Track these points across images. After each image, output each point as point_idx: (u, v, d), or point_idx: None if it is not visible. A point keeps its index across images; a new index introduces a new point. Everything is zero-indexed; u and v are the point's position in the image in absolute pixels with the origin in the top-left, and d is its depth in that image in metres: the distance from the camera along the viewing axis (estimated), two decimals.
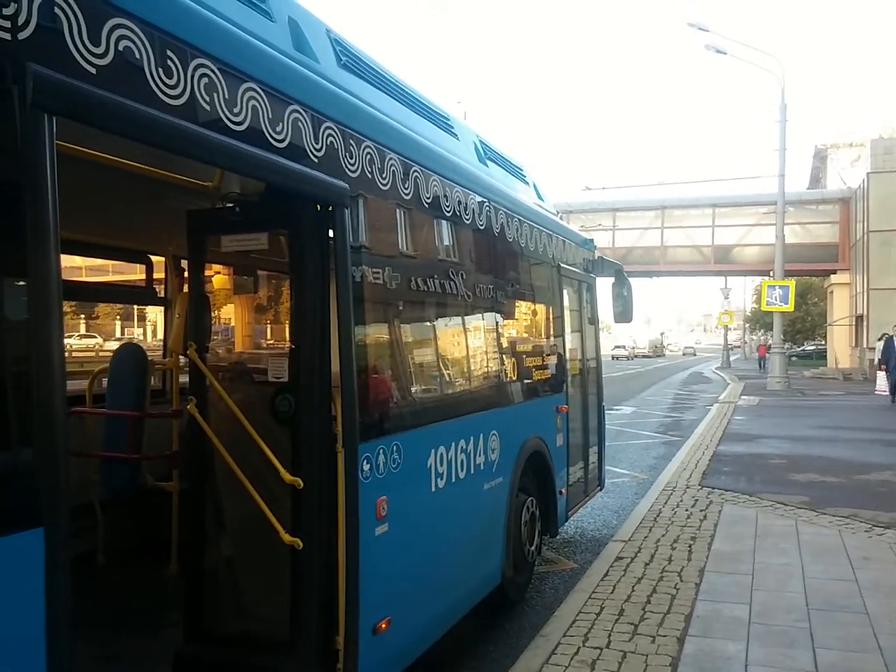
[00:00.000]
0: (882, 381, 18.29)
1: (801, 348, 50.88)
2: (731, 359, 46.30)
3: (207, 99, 2.29)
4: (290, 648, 2.85)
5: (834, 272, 33.01)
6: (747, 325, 65.97)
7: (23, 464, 1.79)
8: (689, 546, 5.66)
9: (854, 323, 31.45)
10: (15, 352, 1.79)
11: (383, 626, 3.05)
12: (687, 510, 6.82)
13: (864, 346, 28.14)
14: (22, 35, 1.69)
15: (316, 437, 2.84)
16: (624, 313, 7.25)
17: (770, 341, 30.53)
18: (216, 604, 3.15)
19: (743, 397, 20.24)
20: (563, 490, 5.68)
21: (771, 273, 24.29)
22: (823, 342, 42.40)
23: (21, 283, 1.75)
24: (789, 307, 22.45)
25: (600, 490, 7.00)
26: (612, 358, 54.43)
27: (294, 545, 2.78)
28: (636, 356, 62.50)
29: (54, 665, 1.75)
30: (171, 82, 2.14)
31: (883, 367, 18.17)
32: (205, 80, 2.27)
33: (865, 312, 28.36)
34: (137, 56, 2.03)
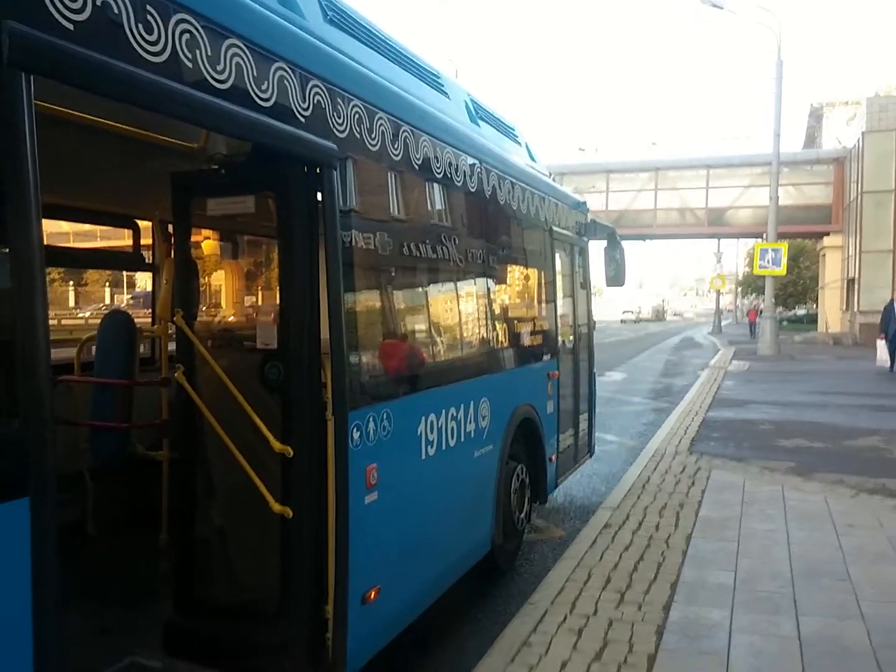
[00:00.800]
0: (882, 352, 16.80)
1: (793, 312, 51.10)
2: (723, 323, 46.48)
3: (190, 56, 2.22)
4: (279, 618, 2.87)
5: (827, 234, 32.97)
6: (739, 290, 66.11)
7: (7, 433, 1.77)
8: (677, 513, 5.72)
9: (845, 286, 31.53)
10: None
11: (373, 595, 3.07)
12: (675, 477, 6.89)
13: (855, 309, 28.24)
14: None
15: (305, 405, 2.82)
16: (616, 277, 7.20)
17: (761, 306, 30.55)
18: (206, 574, 3.16)
19: (733, 362, 20.36)
20: (554, 457, 5.70)
21: (764, 236, 24.22)
22: (815, 306, 42.55)
23: (2, 249, 1.71)
24: (781, 271, 22.43)
25: (590, 457, 7.03)
26: (622, 322, 62.31)
27: (284, 514, 2.78)
28: (641, 319, 70.24)
29: (42, 636, 1.75)
30: (152, 39, 2.08)
31: (882, 335, 16.82)
32: (186, 35, 2.20)
33: (857, 275, 28.41)
34: (116, 11, 1.96)
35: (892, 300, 16.82)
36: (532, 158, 6.17)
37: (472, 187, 4.30)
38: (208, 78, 2.29)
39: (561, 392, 5.90)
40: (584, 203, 6.96)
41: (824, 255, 35.18)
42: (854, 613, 3.91)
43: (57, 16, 1.79)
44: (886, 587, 4.25)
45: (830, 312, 33.66)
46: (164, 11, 2.12)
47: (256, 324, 3.13)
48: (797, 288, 46.07)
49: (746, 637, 3.66)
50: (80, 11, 1.85)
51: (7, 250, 1.69)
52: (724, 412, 11.06)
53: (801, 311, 50.10)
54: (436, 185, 3.97)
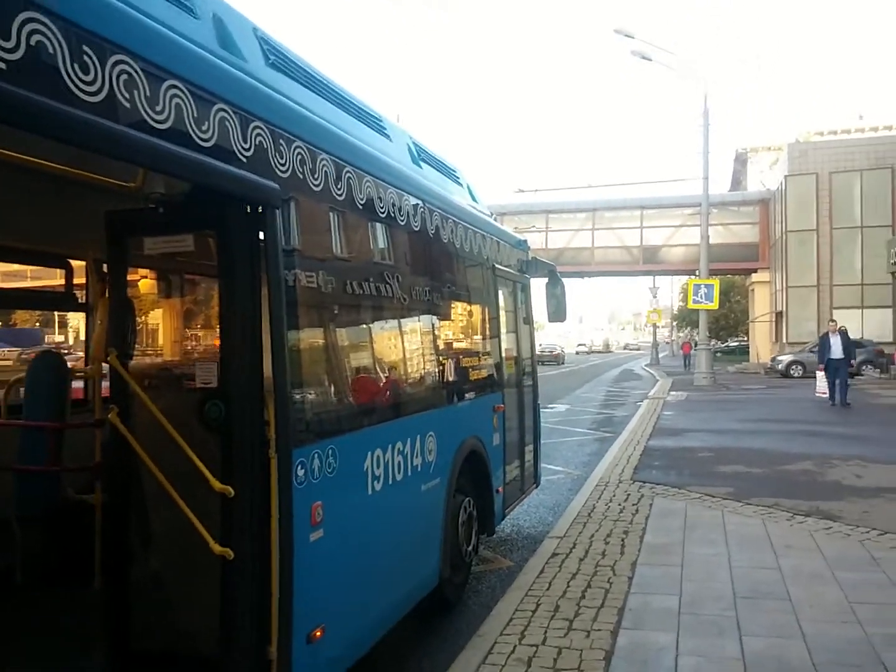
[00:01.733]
0: (822, 383, 16.47)
1: (725, 344, 52.82)
2: (661, 356, 47.69)
3: (128, 97, 2.20)
4: (221, 663, 2.75)
5: (755, 271, 34.44)
6: (675, 323, 68.08)
7: None
8: (622, 540, 5.77)
9: (774, 319, 32.85)
10: None
11: (318, 633, 2.99)
12: (619, 505, 6.96)
13: (784, 340, 29.42)
14: None
15: (247, 444, 2.75)
16: (557, 312, 7.36)
17: (695, 338, 31.47)
18: (143, 623, 3.01)
19: (671, 393, 20.85)
20: (500, 489, 5.71)
21: (696, 272, 25.14)
22: (746, 338, 44.10)
23: None
24: (714, 305, 23.26)
25: (536, 487, 7.06)
26: (576, 353, 72.60)
27: (224, 555, 2.68)
28: (593, 351, 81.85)
29: None
30: (88, 79, 2.06)
31: (821, 367, 16.58)
32: (124, 76, 2.18)
33: (784, 309, 29.68)
34: (51, 51, 1.95)
35: (826, 332, 16.77)
36: (474, 199, 6.29)
37: (416, 227, 4.35)
38: (147, 118, 2.27)
39: (506, 424, 5.93)
40: (525, 241, 7.11)
41: (753, 290, 36.68)
42: (795, 633, 3.98)
43: None
44: (825, 606, 4.34)
45: (761, 344, 34.99)
46: (101, 52, 2.10)
47: (196, 363, 3.04)
48: (729, 321, 47.75)
49: (693, 660, 3.68)
50: (13, 51, 1.84)
51: None
52: (665, 441, 11.28)
53: (733, 343, 51.80)
54: (379, 225, 4.00)
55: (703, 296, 22.56)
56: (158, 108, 2.32)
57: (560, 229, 35.64)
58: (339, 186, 3.42)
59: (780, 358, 27.12)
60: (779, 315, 31.54)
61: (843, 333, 16.51)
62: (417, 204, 4.36)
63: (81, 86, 2.04)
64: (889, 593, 4.52)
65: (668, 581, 4.83)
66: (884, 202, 27.70)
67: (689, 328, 59.54)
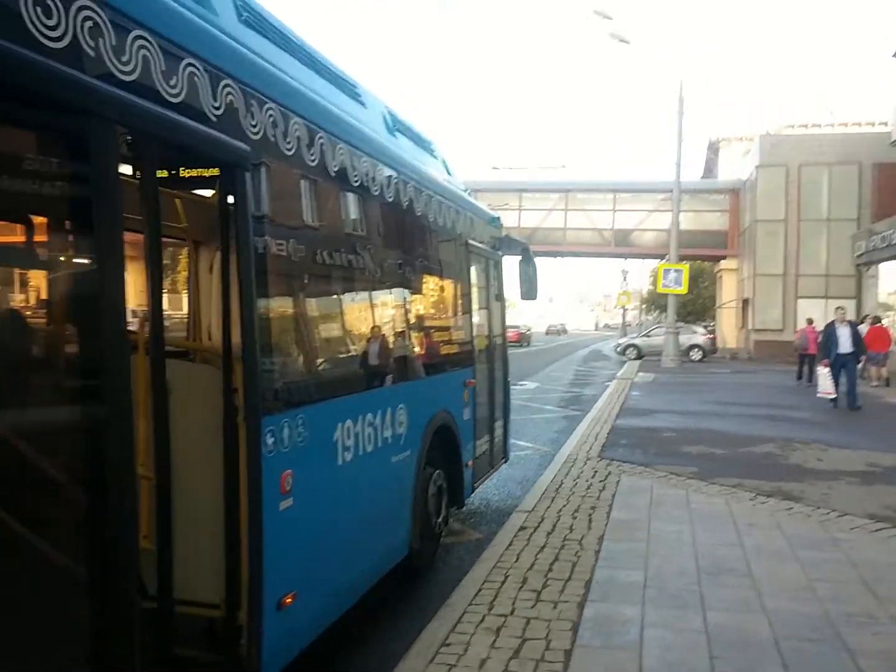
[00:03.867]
0: (827, 382, 13.67)
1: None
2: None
3: (92, 45, 2.09)
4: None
5: (723, 258, 34.85)
6: (643, 306, 68.78)
7: None
8: (589, 515, 5.83)
9: (741, 306, 33.36)
10: None
11: (288, 600, 2.99)
12: (587, 481, 7.03)
13: (750, 327, 29.89)
14: None
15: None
16: (529, 291, 7.41)
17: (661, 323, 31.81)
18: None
19: (639, 374, 21.10)
20: (470, 462, 5.76)
21: (666, 257, 25.35)
22: (713, 323, 44.76)
23: None
24: (683, 290, 23.55)
25: (505, 462, 7.13)
26: (546, 333, 71.13)
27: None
28: (566, 332, 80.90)
29: None
30: (51, 23, 1.95)
31: (825, 362, 13.70)
32: (89, 23, 2.07)
33: (752, 296, 30.12)
34: None
35: (832, 322, 14.13)
36: (448, 173, 6.22)
37: (390, 198, 4.29)
38: (112, 69, 2.16)
39: (477, 399, 5.96)
40: (499, 218, 7.11)
41: (721, 277, 37.17)
42: (757, 608, 4.06)
43: None
44: (785, 582, 4.44)
45: (727, 329, 35.52)
46: None
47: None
48: (696, 306, 48.32)
49: (657, 632, 3.74)
50: None
51: None
52: (632, 420, 11.41)
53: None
54: (352, 195, 3.92)
55: (673, 280, 22.82)
56: (125, 59, 2.21)
57: (533, 208, 35.55)
58: (311, 152, 3.33)
59: (619, 341, 31.46)
60: (745, 302, 32.01)
61: (853, 325, 14.10)
62: (392, 175, 4.30)
63: (44, 31, 1.92)
64: (847, 572, 4.63)
65: (634, 556, 4.90)
66: (850, 196, 28.09)
67: (657, 311, 60.22)
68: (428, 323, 5.22)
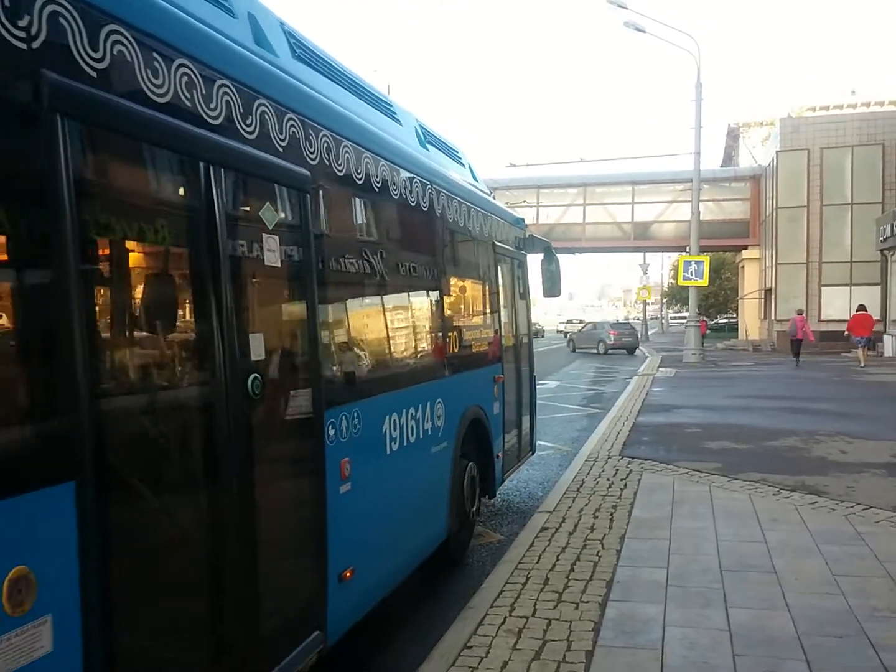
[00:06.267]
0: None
1: (714, 321, 53.02)
2: (650, 332, 47.92)
3: (188, 96, 2.46)
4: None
5: (745, 247, 34.45)
6: (664, 300, 68.29)
7: (54, 424, 1.90)
8: (611, 514, 5.84)
9: (763, 296, 32.98)
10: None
11: (348, 574, 3.36)
12: (608, 480, 7.03)
13: (773, 318, 29.55)
14: (35, 44, 1.87)
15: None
16: (552, 288, 7.66)
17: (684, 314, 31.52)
18: None
19: (660, 370, 20.97)
20: (500, 454, 6.04)
21: (687, 249, 25.16)
22: (735, 315, 44.30)
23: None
24: (704, 282, 23.30)
25: (532, 455, 7.43)
26: (559, 331, 63.60)
27: None
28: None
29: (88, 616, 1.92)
30: (159, 82, 2.33)
31: None
32: (185, 78, 2.45)
33: (774, 286, 29.77)
34: (129, 59, 2.20)
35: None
36: (475, 179, 6.52)
37: (425, 207, 4.67)
38: (204, 115, 2.53)
39: (505, 395, 6.23)
40: (523, 220, 7.37)
41: (743, 267, 36.76)
42: (780, 604, 4.05)
43: (82, 63, 2.02)
44: (809, 578, 4.43)
45: (750, 321, 35.14)
46: (168, 58, 2.37)
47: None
48: (718, 298, 48.00)
49: (679, 630, 3.75)
50: (101, 60, 2.09)
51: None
52: (653, 417, 11.37)
53: (722, 320, 52.06)
54: (393, 206, 4.26)
55: (694, 272, 22.59)
56: (212, 106, 2.59)
57: (551, 204, 35.47)
58: (359, 171, 3.73)
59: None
60: (768, 292, 31.65)
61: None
62: (427, 185, 4.69)
63: (154, 88, 2.31)
64: (872, 566, 4.60)
65: (656, 554, 4.90)
66: (874, 179, 27.63)
67: (679, 304, 59.72)
68: (461, 322, 5.50)
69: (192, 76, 2.46)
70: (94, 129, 2.10)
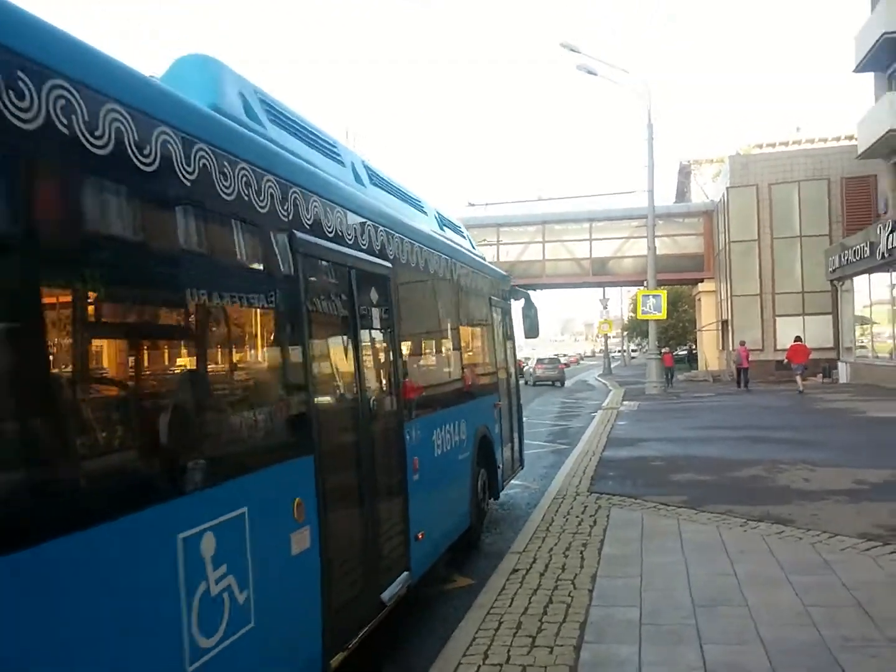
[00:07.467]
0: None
1: (675, 353, 53.72)
2: (612, 365, 48.42)
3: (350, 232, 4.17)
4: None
5: (701, 280, 35.25)
6: (625, 333, 69.20)
7: (298, 408, 3.34)
8: (581, 552, 5.79)
9: (720, 328, 33.67)
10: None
11: (420, 536, 4.85)
12: (577, 517, 7.00)
13: (730, 348, 30.14)
14: (289, 219, 3.48)
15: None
16: (531, 330, 9.37)
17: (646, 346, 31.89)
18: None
19: (624, 402, 21.14)
20: (500, 465, 7.52)
21: (645, 283, 25.63)
22: (694, 346, 45.05)
23: None
24: (662, 315, 23.72)
25: (521, 469, 8.90)
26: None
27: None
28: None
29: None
30: (336, 230, 3.95)
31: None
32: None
33: (730, 317, 30.45)
34: (327, 220, 3.89)
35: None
36: (473, 246, 8.04)
37: (449, 277, 6.24)
38: (348, 238, 4.12)
39: (502, 418, 7.74)
40: (509, 276, 9.02)
41: (699, 300, 37.54)
42: (753, 638, 4.04)
43: (305, 223, 3.56)
44: (780, 610, 4.43)
45: (708, 352, 35.78)
46: (336, 207, 3.99)
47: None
48: (677, 330, 48.69)
49: (655, 670, 3.71)
50: (316, 222, 3.70)
51: None
52: (619, 451, 11.41)
53: (682, 352, 52.82)
54: (433, 280, 5.85)
55: (652, 306, 22.99)
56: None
57: (511, 242, 35.92)
58: (418, 260, 5.40)
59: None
60: (724, 323, 32.34)
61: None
62: (449, 260, 6.25)
63: (329, 232, 3.87)
64: (841, 595, 4.63)
65: (629, 592, 4.86)
66: (821, 212, 28.66)
67: (639, 337, 60.57)
68: (473, 360, 7.09)
69: (343, 214, 4.02)
70: (309, 257, 3.55)
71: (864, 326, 25.04)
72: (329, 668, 3.34)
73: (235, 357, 3.15)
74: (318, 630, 3.29)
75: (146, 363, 2.65)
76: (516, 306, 9.28)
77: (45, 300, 2.03)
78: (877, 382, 21.91)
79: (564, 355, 67.23)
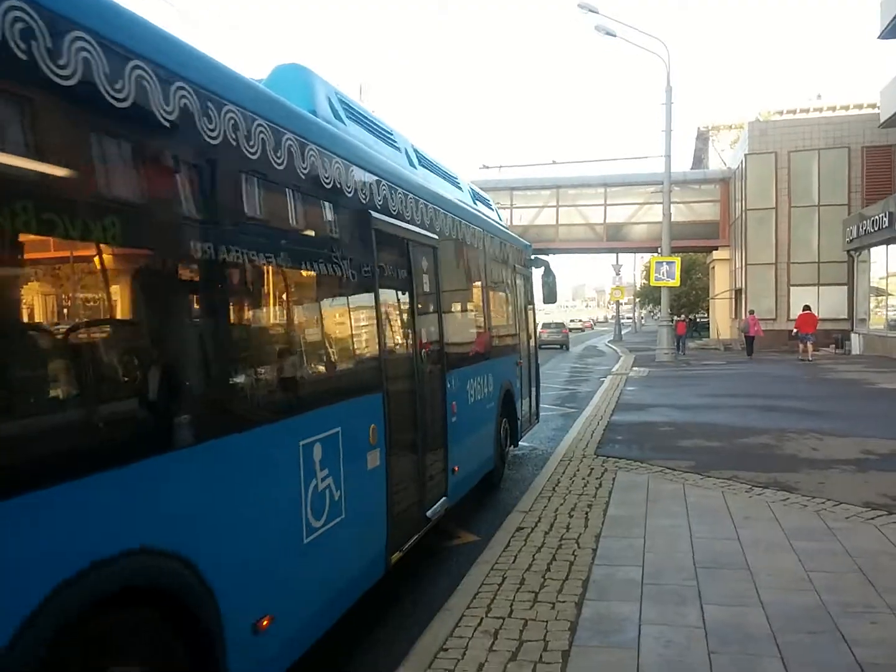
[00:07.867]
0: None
1: (696, 319, 53.42)
2: (623, 332, 48.30)
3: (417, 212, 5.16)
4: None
5: (715, 248, 34.86)
6: (637, 300, 68.91)
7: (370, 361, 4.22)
8: (586, 513, 5.84)
9: (734, 296, 33.41)
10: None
11: (456, 469, 5.61)
12: (583, 479, 7.04)
13: (743, 317, 29.96)
14: (370, 208, 4.35)
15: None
16: (549, 296, 10.15)
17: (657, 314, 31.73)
18: None
19: (634, 369, 21.13)
20: (520, 417, 8.24)
21: (659, 250, 25.38)
22: (707, 315, 44.80)
23: None
24: (676, 282, 23.53)
25: (537, 422, 9.74)
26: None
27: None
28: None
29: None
30: (401, 211, 4.83)
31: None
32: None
33: (744, 286, 30.17)
34: (395, 203, 4.75)
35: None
36: (500, 218, 8.73)
37: (483, 248, 7.05)
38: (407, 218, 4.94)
39: (522, 376, 8.46)
40: (530, 245, 9.70)
41: (713, 268, 37.20)
42: (754, 601, 4.07)
43: (381, 205, 4.41)
44: (782, 575, 4.46)
45: (721, 320, 35.58)
46: (400, 191, 4.83)
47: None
48: (690, 298, 48.41)
49: (655, 628, 3.75)
50: (390, 203, 4.57)
51: None
52: (627, 416, 11.44)
53: (703, 319, 52.53)
54: (472, 251, 6.72)
55: (665, 273, 22.80)
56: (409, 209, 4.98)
57: (524, 206, 35.52)
58: (458, 232, 6.18)
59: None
60: (738, 292, 32.05)
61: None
62: (482, 232, 7.05)
63: (396, 211, 4.72)
64: (844, 562, 4.65)
65: (632, 553, 4.91)
66: (840, 181, 28.12)
67: (651, 305, 60.29)
68: (501, 322, 7.88)
69: (403, 195, 4.82)
70: (380, 232, 4.28)
71: (880, 298, 24.77)
72: (389, 562, 4.26)
73: (338, 317, 4.01)
74: (384, 531, 4.19)
75: (300, 323, 3.64)
76: (536, 273, 9.93)
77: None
78: (889, 354, 21.76)
79: (579, 321, 68.05)
